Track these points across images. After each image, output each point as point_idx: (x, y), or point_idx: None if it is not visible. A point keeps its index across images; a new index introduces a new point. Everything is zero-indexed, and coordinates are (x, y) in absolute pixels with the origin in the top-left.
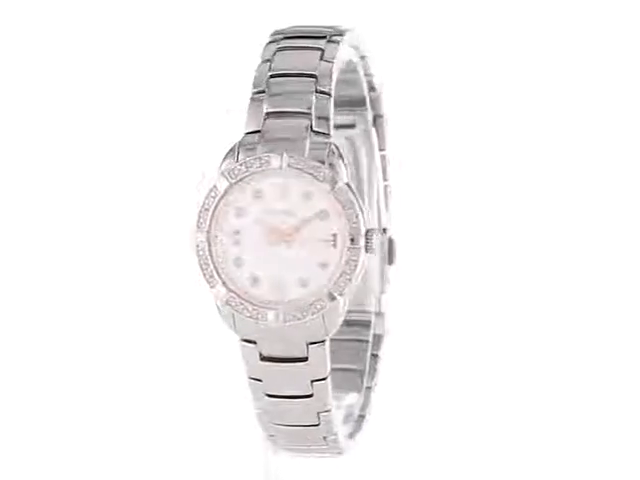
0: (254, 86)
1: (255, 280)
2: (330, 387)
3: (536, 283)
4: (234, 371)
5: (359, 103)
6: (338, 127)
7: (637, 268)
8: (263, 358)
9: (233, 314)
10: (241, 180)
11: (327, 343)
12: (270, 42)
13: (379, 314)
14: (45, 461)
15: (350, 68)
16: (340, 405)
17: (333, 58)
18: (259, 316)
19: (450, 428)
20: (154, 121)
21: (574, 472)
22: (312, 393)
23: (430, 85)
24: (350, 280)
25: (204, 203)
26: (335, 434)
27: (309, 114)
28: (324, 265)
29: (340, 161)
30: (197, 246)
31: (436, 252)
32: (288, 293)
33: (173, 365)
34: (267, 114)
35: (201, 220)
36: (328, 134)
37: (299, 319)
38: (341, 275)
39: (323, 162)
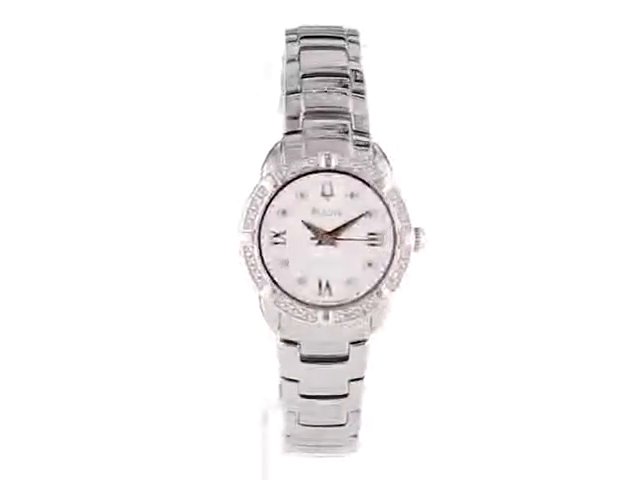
0: (287, 85)
1: (302, 280)
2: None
3: (535, 283)
4: (233, 372)
5: None
6: None
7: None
8: (303, 359)
9: (280, 315)
10: (287, 181)
11: (368, 342)
12: (290, 41)
13: None
14: (44, 461)
15: None
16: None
17: (359, 58)
18: (309, 316)
19: (449, 428)
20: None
21: (574, 472)
22: (347, 393)
23: (422, 85)
24: (400, 279)
25: (250, 204)
26: (357, 434)
27: (348, 114)
28: (370, 264)
29: (384, 160)
30: (244, 247)
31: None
32: (335, 293)
33: (174, 365)
34: (306, 114)
35: (248, 221)
36: (368, 133)
37: (350, 319)
38: (390, 274)
39: (368, 162)
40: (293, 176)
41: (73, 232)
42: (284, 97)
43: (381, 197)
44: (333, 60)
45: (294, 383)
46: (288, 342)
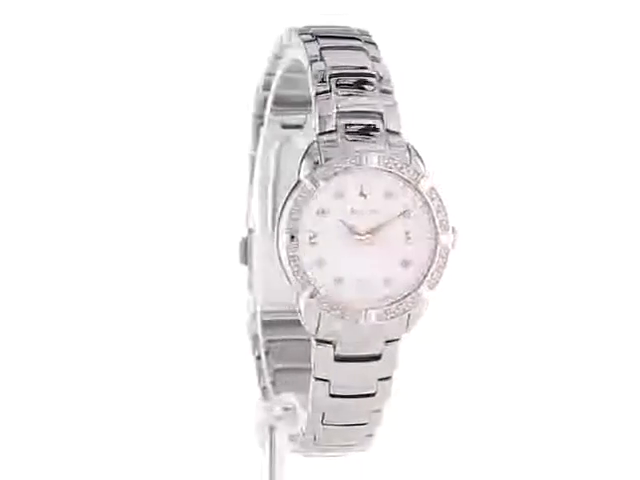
0: (316, 86)
1: (339, 281)
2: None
3: (534, 283)
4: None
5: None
6: (286, 127)
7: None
8: (338, 359)
9: (319, 315)
10: (326, 180)
11: (400, 341)
12: (307, 41)
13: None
14: (42, 461)
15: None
16: None
17: (379, 59)
18: (350, 316)
19: (449, 429)
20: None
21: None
22: (375, 392)
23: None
24: (440, 278)
25: (294, 205)
26: (373, 433)
27: (380, 113)
28: (407, 263)
29: (418, 159)
30: (288, 248)
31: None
32: (373, 292)
33: (175, 366)
34: (338, 114)
35: (291, 222)
36: (400, 133)
37: (390, 317)
38: (430, 273)
39: (405, 160)
40: (332, 176)
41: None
42: (314, 97)
43: (421, 195)
44: (357, 60)
45: (325, 383)
46: (324, 342)
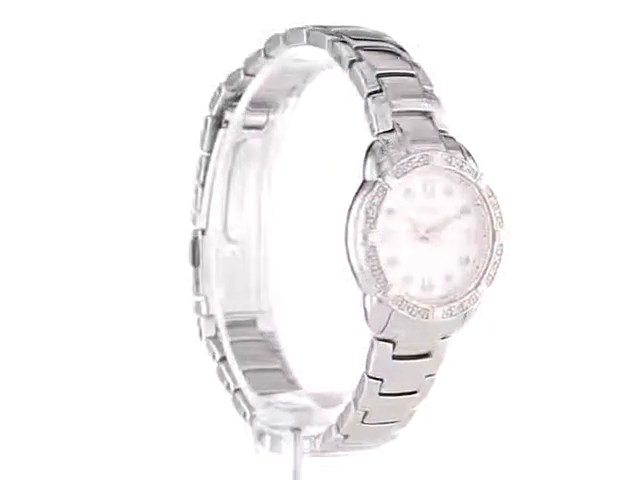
0: (367, 86)
1: (408, 279)
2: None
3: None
4: None
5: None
6: (248, 127)
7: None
8: (396, 357)
9: (390, 314)
10: (397, 179)
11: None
12: (338, 42)
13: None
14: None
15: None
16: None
17: (417, 62)
18: (419, 314)
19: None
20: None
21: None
22: (418, 390)
23: None
24: (496, 274)
25: (370, 204)
26: (398, 433)
27: (430, 113)
28: (466, 260)
29: (471, 158)
30: (371, 248)
31: None
32: (437, 290)
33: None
34: (394, 113)
35: (369, 221)
36: (447, 132)
37: (452, 314)
38: (488, 270)
39: (463, 159)
40: (402, 175)
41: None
42: (365, 97)
43: (479, 193)
44: (398, 62)
45: (378, 382)
46: (385, 341)
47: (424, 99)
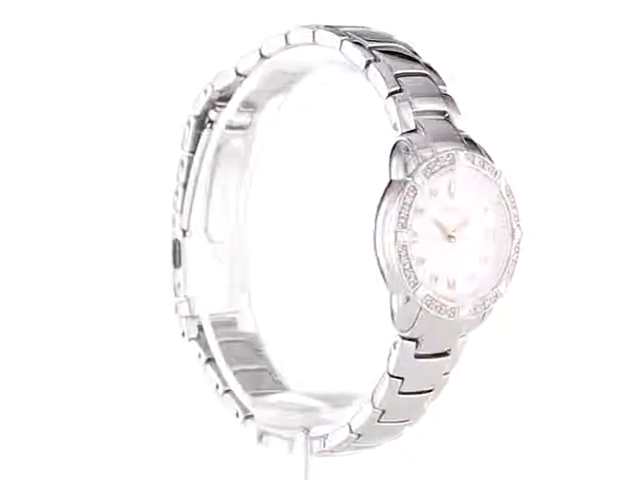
0: (388, 86)
1: (435, 278)
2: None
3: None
4: None
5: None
6: (232, 128)
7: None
8: (418, 355)
9: (418, 313)
10: (427, 179)
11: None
12: (354, 43)
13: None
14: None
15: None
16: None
17: (427, 62)
18: (447, 313)
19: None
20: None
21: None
22: (434, 387)
23: None
24: (514, 272)
25: (403, 204)
26: (404, 432)
27: (448, 113)
28: (486, 259)
29: (488, 158)
30: (403, 247)
31: None
32: (462, 289)
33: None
34: (418, 113)
35: (401, 220)
36: (464, 131)
37: (476, 313)
38: (508, 268)
39: (484, 159)
40: (430, 174)
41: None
42: (387, 98)
43: (499, 192)
44: (414, 63)
45: (398, 381)
46: (410, 339)
47: (441, 99)
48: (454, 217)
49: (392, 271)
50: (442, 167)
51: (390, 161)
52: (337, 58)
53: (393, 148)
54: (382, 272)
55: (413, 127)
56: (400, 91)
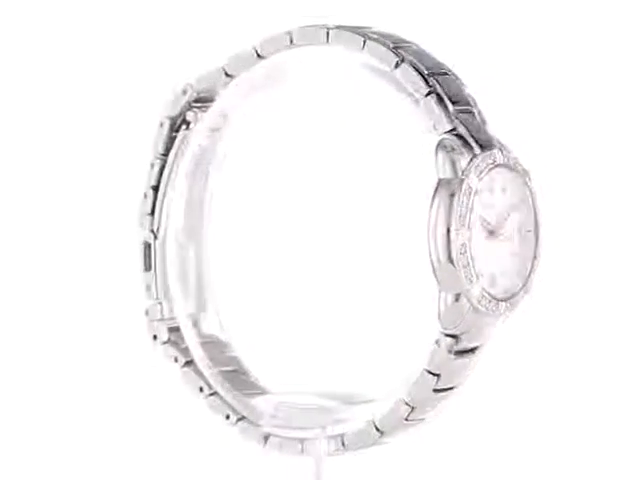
0: (425, 85)
1: (481, 275)
2: None
3: None
4: None
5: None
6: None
7: None
8: (456, 352)
9: (467, 310)
10: (478, 177)
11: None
12: (377, 42)
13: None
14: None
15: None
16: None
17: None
18: (492, 309)
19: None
20: None
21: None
22: (461, 384)
23: None
24: (538, 267)
25: (462, 202)
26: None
27: (475, 112)
28: (516, 255)
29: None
30: (463, 245)
31: None
32: (500, 285)
33: None
34: (456, 111)
35: (461, 218)
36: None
37: (511, 309)
38: (535, 265)
39: (516, 156)
40: (479, 173)
41: None
42: (425, 97)
43: (530, 190)
44: (438, 62)
45: (434, 377)
46: (451, 336)
47: (469, 98)
48: (493, 214)
49: (446, 269)
50: (487, 165)
51: (437, 159)
52: (355, 59)
53: (438, 147)
54: (434, 270)
55: (452, 127)
56: (434, 91)
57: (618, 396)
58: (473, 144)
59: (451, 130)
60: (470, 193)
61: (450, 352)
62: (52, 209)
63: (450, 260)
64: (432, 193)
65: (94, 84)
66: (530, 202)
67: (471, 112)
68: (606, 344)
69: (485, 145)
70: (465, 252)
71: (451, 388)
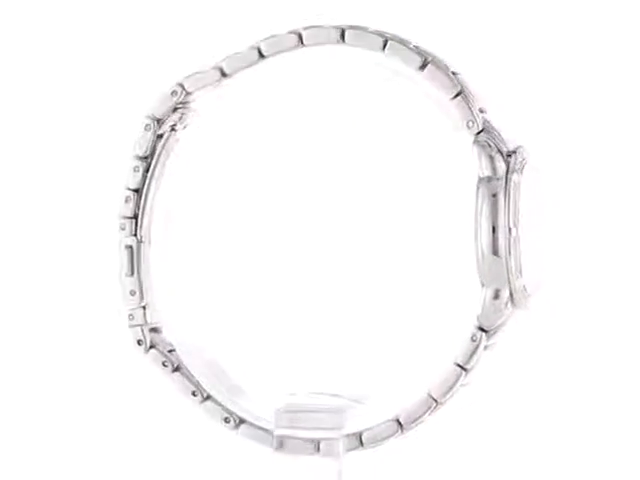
0: (454, 84)
1: (523, 270)
2: None
3: None
4: None
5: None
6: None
7: None
8: (486, 348)
9: (505, 304)
10: (520, 175)
11: None
12: (398, 42)
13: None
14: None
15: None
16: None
17: None
18: (526, 304)
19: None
20: None
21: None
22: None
23: None
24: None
25: (513, 199)
26: None
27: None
28: (532, 251)
29: None
30: (515, 240)
31: None
32: (527, 280)
33: None
34: (478, 111)
35: (514, 217)
36: None
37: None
38: (543, 259)
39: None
40: (521, 171)
41: None
42: (456, 97)
43: (539, 187)
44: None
45: (464, 372)
46: (485, 331)
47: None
48: (527, 210)
49: (494, 264)
50: (522, 162)
51: (477, 157)
52: (373, 59)
53: (474, 145)
54: (479, 266)
55: (484, 126)
56: (462, 92)
57: (618, 396)
58: (504, 144)
59: (482, 130)
60: (515, 190)
61: (485, 348)
62: (31, 210)
63: (498, 255)
64: (476, 191)
65: (85, 83)
66: (543, 199)
67: (486, 111)
68: (606, 344)
69: (510, 143)
70: (517, 248)
71: (473, 382)
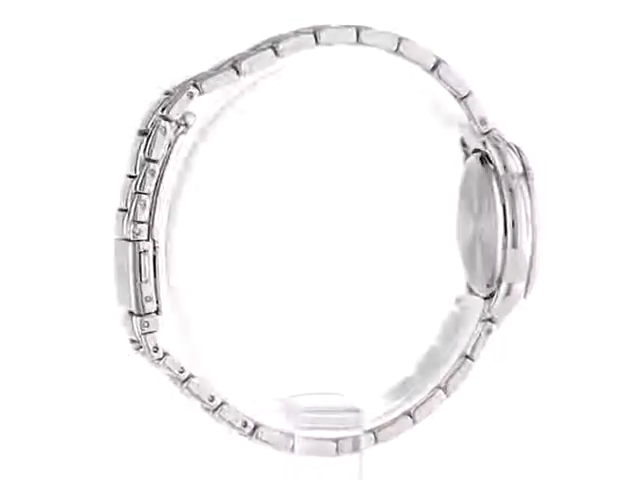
0: (464, 85)
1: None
2: None
3: None
4: None
5: None
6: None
7: None
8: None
9: (517, 298)
10: (530, 170)
11: None
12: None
13: None
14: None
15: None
16: None
17: None
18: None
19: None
20: None
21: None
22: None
23: None
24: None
25: (535, 196)
26: None
27: None
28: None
29: None
30: (529, 234)
31: None
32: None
33: None
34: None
35: (527, 209)
36: None
37: None
38: (534, 256)
39: None
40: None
41: None
42: (468, 96)
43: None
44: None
45: (472, 363)
46: (494, 323)
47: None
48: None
49: (518, 260)
50: (528, 160)
51: (500, 156)
52: (387, 59)
53: (492, 143)
54: (502, 259)
55: (490, 127)
56: (472, 93)
57: (618, 396)
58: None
59: (489, 131)
60: (529, 186)
61: (489, 338)
62: (31, 210)
63: (519, 249)
64: (492, 187)
65: (86, 84)
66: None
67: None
68: (606, 344)
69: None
70: (535, 245)
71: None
